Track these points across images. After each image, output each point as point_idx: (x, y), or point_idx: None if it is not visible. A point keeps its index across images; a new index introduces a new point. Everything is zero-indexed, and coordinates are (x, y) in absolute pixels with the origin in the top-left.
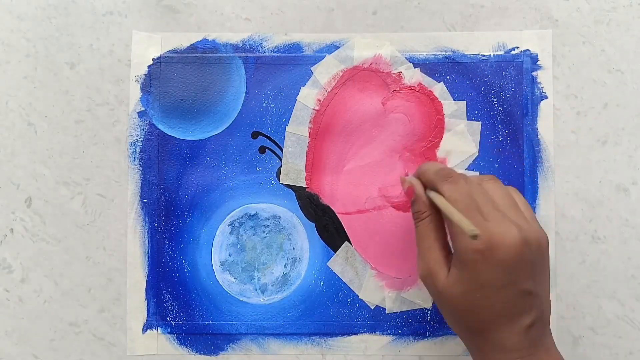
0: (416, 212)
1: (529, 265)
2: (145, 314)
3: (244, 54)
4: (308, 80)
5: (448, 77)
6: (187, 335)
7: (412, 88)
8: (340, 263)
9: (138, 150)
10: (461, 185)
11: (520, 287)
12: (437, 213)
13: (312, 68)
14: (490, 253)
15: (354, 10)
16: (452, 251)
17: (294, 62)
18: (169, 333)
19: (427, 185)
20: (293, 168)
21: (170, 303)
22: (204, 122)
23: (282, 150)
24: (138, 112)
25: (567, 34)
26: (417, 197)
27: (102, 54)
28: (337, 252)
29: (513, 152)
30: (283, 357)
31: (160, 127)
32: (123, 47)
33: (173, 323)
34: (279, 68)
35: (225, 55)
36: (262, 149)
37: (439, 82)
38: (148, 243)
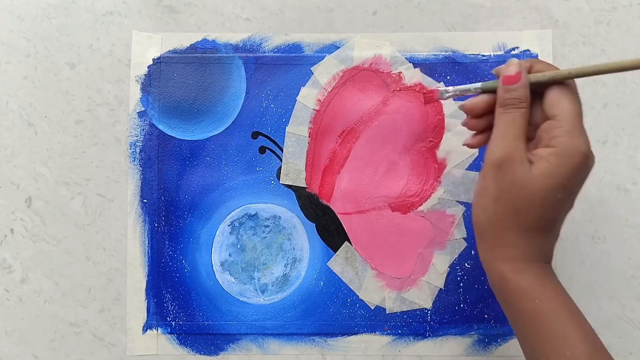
0: (514, 98)
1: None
2: (145, 314)
3: (244, 54)
4: (308, 80)
5: (448, 77)
6: (187, 335)
7: (412, 88)
8: (340, 263)
9: (138, 150)
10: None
11: (573, 204)
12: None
13: (312, 68)
14: (588, 162)
15: (354, 10)
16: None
17: (294, 62)
18: (169, 333)
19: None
20: (293, 168)
21: (170, 303)
22: (204, 122)
23: (282, 150)
24: (138, 112)
25: (567, 34)
26: (522, 85)
27: (102, 54)
28: (337, 252)
29: None
30: (283, 357)
31: (160, 127)
32: (123, 47)
33: (173, 323)
34: (279, 68)
35: (225, 55)
36: (262, 149)
37: (439, 82)
38: (148, 243)
